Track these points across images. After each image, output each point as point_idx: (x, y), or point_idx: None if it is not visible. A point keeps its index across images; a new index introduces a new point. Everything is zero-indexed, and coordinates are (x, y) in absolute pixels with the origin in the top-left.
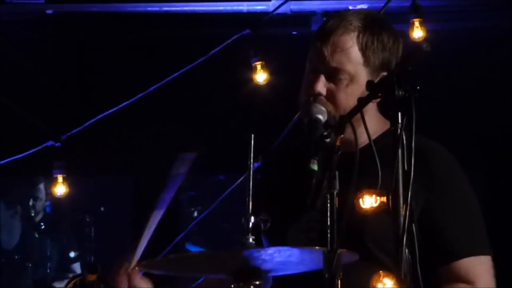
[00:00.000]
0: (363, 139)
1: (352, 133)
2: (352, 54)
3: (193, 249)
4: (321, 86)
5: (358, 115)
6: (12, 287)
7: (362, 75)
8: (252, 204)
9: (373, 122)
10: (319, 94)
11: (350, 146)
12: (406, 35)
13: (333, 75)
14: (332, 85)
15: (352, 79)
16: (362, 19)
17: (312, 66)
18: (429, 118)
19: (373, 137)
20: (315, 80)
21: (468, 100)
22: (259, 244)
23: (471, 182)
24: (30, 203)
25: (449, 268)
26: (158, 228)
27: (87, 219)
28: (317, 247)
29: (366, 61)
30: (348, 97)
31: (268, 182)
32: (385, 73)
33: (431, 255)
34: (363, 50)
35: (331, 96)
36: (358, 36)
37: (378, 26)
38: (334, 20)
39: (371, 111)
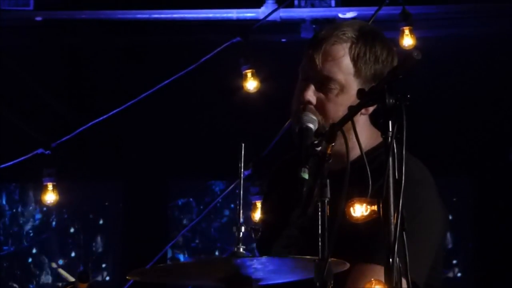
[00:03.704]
0: (355, 152)
1: (343, 144)
2: (343, 64)
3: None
4: (311, 94)
5: (350, 125)
6: None
7: (353, 86)
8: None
9: (365, 135)
10: (309, 102)
11: (341, 162)
12: (396, 43)
13: (324, 84)
14: (321, 95)
15: (342, 89)
16: (356, 30)
17: (303, 74)
18: (418, 125)
19: (366, 149)
20: (305, 88)
21: (458, 106)
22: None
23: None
24: (19, 210)
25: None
26: (147, 236)
27: (76, 226)
28: (308, 257)
29: (357, 72)
30: (338, 107)
31: (269, 195)
32: None
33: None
34: (355, 60)
35: (320, 105)
36: (350, 47)
37: (371, 38)
38: (328, 29)
39: (363, 124)
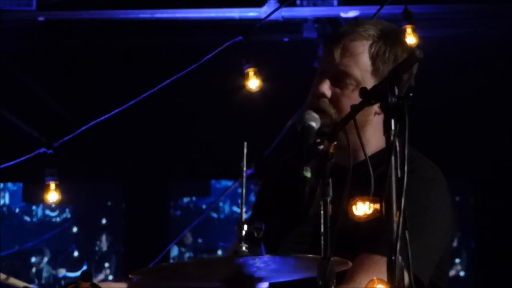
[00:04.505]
0: (363, 155)
1: (352, 140)
2: (361, 61)
3: None
4: (326, 87)
5: (357, 124)
6: None
7: (369, 84)
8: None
9: (379, 135)
10: (323, 95)
11: (347, 159)
12: None
13: (340, 78)
14: (337, 89)
15: (358, 85)
16: (379, 29)
17: (321, 67)
18: (419, 124)
19: (377, 150)
20: (321, 81)
21: (459, 105)
22: (254, 251)
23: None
24: (22, 209)
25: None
26: (150, 235)
27: (79, 226)
28: (310, 255)
29: (375, 70)
30: (352, 103)
31: (267, 192)
32: None
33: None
34: (373, 58)
35: (335, 100)
36: (371, 45)
37: (393, 39)
38: (350, 25)
39: (377, 124)
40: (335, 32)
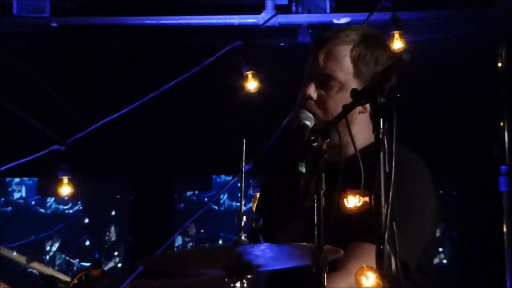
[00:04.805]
0: (352, 149)
1: (342, 138)
2: (344, 64)
3: None
4: (312, 90)
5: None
6: (18, 280)
7: (352, 85)
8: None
9: (365, 132)
10: (310, 98)
11: (338, 156)
12: None
13: (325, 81)
14: (322, 91)
15: (342, 87)
16: (360, 34)
17: (307, 71)
18: (417, 125)
19: (364, 145)
20: (307, 84)
21: (446, 109)
22: (254, 240)
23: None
24: (37, 202)
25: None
26: (156, 226)
27: (90, 217)
28: (305, 244)
29: (357, 72)
30: (338, 104)
31: (268, 190)
32: None
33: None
34: (355, 61)
35: (321, 101)
36: (352, 48)
37: (374, 42)
38: (334, 31)
39: (363, 122)
40: (320, 38)
